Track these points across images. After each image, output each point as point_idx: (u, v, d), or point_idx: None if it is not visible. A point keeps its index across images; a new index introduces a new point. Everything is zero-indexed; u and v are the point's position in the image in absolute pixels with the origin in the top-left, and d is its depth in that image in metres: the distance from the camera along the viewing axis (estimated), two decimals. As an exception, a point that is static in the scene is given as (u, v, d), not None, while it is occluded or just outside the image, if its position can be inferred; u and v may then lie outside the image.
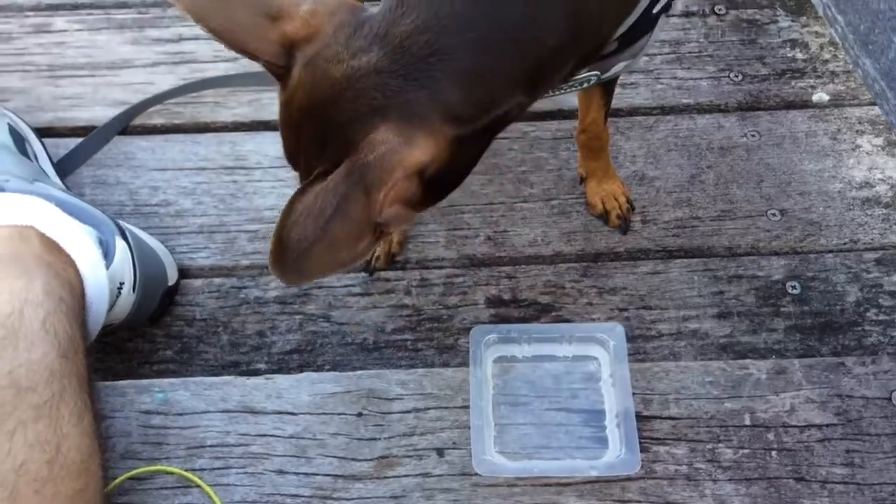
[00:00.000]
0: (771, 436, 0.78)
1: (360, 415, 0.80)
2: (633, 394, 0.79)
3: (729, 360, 0.88)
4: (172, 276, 0.94)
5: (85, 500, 0.66)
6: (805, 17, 1.22)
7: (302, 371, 0.89)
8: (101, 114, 1.10)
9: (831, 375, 0.82)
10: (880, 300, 0.95)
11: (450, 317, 0.95)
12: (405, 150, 0.54)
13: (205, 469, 0.77)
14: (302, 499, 0.76)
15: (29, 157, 0.96)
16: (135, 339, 0.93)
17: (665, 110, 1.12)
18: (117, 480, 0.76)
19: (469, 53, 0.56)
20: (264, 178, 1.05)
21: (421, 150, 0.55)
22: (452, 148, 0.57)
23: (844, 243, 1.00)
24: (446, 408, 0.80)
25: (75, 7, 1.23)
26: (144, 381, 0.83)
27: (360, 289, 0.97)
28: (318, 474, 0.77)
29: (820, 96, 1.13)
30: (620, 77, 0.90)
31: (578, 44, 0.63)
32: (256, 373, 0.90)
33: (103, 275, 0.78)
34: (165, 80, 1.14)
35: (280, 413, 0.80)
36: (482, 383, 0.79)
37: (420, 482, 0.77)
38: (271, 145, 1.08)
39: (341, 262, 0.56)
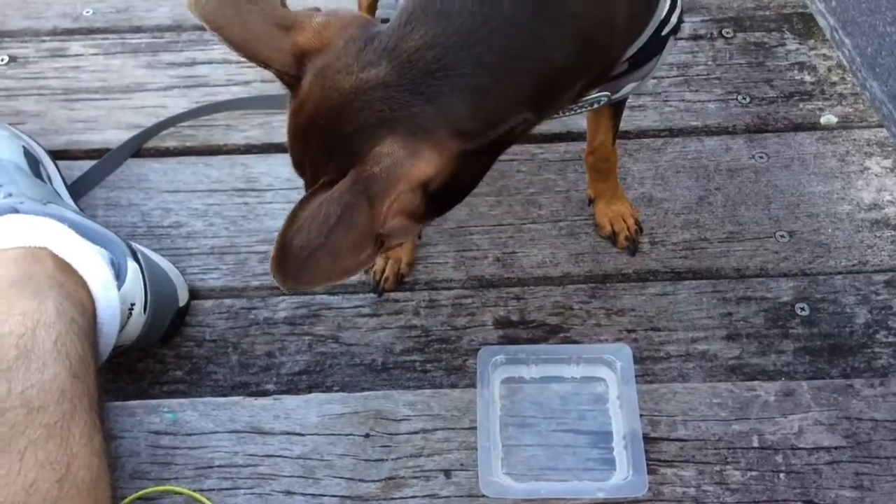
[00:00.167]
0: (779, 458, 0.78)
1: (367, 436, 0.80)
2: (641, 415, 0.79)
3: (737, 381, 0.88)
4: (183, 297, 0.95)
5: (94, 519, 0.66)
6: (813, 40, 1.22)
7: (311, 392, 0.90)
8: (114, 137, 1.11)
9: (840, 397, 0.81)
10: (890, 322, 0.95)
11: (458, 338, 0.95)
12: (410, 162, 0.55)
13: (213, 489, 0.77)
14: (309, 519, 0.76)
15: (43, 180, 0.97)
16: (145, 360, 0.94)
17: (673, 132, 1.13)
18: (126, 500, 0.76)
19: (476, 70, 0.57)
20: (275, 199, 1.06)
21: (426, 164, 0.56)
22: (458, 162, 0.58)
23: (853, 265, 1.00)
24: (454, 429, 0.80)
25: (91, 32, 1.25)
26: (153, 402, 0.84)
27: (369, 310, 0.97)
28: (325, 495, 0.77)
29: (828, 118, 1.14)
30: (629, 99, 0.91)
31: (587, 64, 0.64)
32: (265, 393, 0.90)
33: (115, 296, 0.79)
34: (178, 103, 1.15)
35: (288, 434, 0.80)
36: (490, 404, 0.80)
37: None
38: (282, 167, 1.09)
39: (343, 271, 0.56)
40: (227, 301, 0.98)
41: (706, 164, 1.09)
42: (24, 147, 0.99)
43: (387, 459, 0.79)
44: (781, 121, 1.14)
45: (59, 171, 1.03)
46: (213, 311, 0.97)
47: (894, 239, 1.01)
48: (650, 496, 0.76)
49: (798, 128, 1.13)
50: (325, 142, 0.57)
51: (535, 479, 0.78)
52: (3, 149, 0.95)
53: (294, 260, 0.53)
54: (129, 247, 0.87)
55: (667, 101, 1.16)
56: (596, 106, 0.78)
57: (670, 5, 0.72)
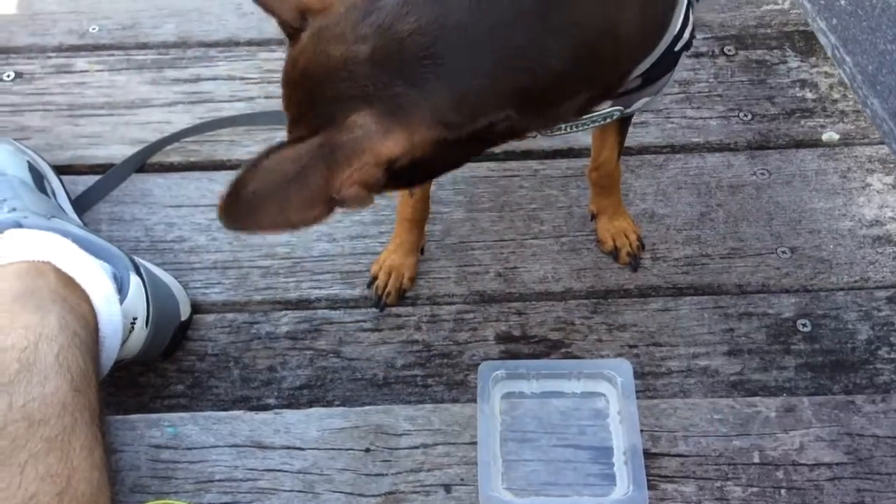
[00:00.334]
0: (780, 474, 0.78)
1: (367, 450, 0.80)
2: (641, 430, 0.79)
3: (738, 397, 0.88)
4: (185, 312, 0.95)
5: (94, 532, 0.66)
6: (814, 58, 1.23)
7: (311, 406, 0.90)
8: (118, 152, 1.12)
9: (841, 414, 0.81)
10: (891, 338, 0.95)
11: (460, 353, 0.95)
12: (379, 139, 0.56)
13: (213, 503, 0.77)
14: (309, 534, 0.76)
15: (47, 194, 0.98)
16: (147, 374, 0.94)
17: (675, 149, 1.13)
18: (126, 514, 0.76)
19: (465, 63, 0.57)
20: (277, 214, 1.06)
21: (395, 143, 0.57)
22: (432, 149, 0.59)
23: (855, 281, 1.00)
24: (454, 444, 0.80)
25: (96, 48, 1.26)
26: (154, 416, 0.84)
27: (371, 324, 0.98)
28: (325, 510, 0.77)
29: (829, 135, 1.14)
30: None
31: (589, 75, 0.65)
32: (266, 408, 0.90)
33: (117, 310, 0.79)
34: (182, 119, 1.16)
35: (288, 448, 0.80)
36: (490, 419, 0.80)
37: (427, 518, 0.77)
38: (285, 183, 1.10)
39: (287, 223, 0.57)
40: (230, 315, 0.98)
41: (708, 181, 1.09)
42: (28, 162, 0.99)
43: (387, 474, 0.79)
44: (783, 137, 1.14)
45: (63, 185, 1.04)
46: (215, 325, 0.97)
47: (896, 255, 1.02)
48: (651, 512, 0.76)
49: (799, 144, 1.13)
50: (308, 99, 0.59)
51: (535, 494, 0.78)
52: (8, 164, 0.96)
53: (242, 203, 0.54)
54: (132, 261, 0.88)
55: (668, 117, 1.16)
56: (609, 120, 0.79)
57: (683, 21, 0.72)
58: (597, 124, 0.78)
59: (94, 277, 0.79)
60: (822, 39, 1.24)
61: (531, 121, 0.65)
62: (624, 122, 0.91)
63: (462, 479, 0.78)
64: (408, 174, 0.60)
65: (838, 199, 1.07)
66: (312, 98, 0.59)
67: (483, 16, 0.58)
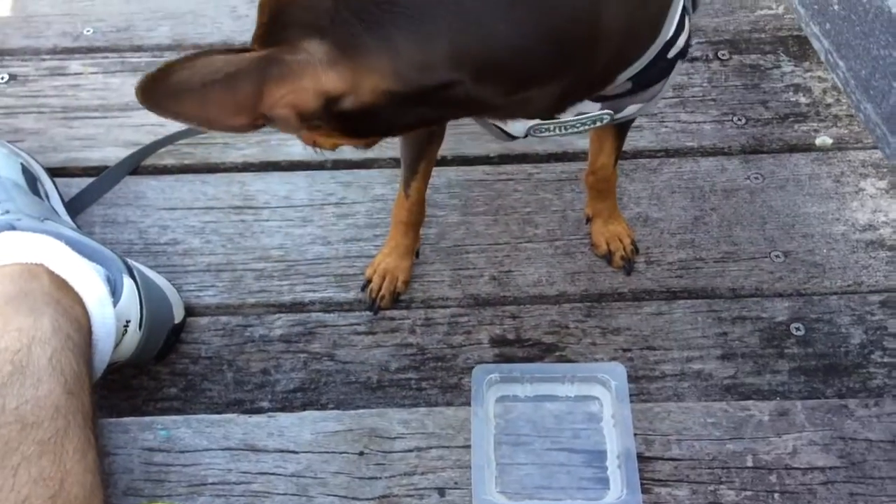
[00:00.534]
0: (773, 478, 0.78)
1: (361, 454, 0.80)
2: (635, 434, 0.79)
3: (732, 401, 0.88)
4: (179, 315, 0.95)
5: (87, 535, 0.66)
6: (807, 63, 1.23)
7: (305, 409, 0.90)
8: (112, 154, 1.12)
9: (834, 418, 0.81)
10: (885, 342, 0.95)
11: (454, 356, 0.95)
12: (322, 69, 0.56)
13: (206, 507, 0.77)
14: (302, 538, 0.76)
15: (41, 197, 0.98)
16: (140, 377, 0.94)
17: (669, 153, 1.14)
18: (119, 517, 0.76)
19: (422, 14, 0.57)
20: (272, 217, 1.07)
21: (337, 77, 0.56)
22: (382, 100, 0.58)
23: (849, 285, 1.00)
24: (448, 447, 0.80)
25: (91, 50, 1.26)
26: (147, 419, 0.84)
27: (365, 327, 0.98)
28: (319, 513, 0.77)
29: (823, 140, 1.14)
30: (626, 120, 0.91)
31: (558, 63, 0.62)
32: (260, 411, 0.90)
33: (110, 312, 0.79)
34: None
35: (282, 451, 0.80)
36: (484, 423, 0.80)
37: (421, 522, 0.77)
38: (279, 185, 1.10)
39: (206, 121, 0.57)
40: (223, 318, 0.98)
41: (702, 185, 1.10)
42: (22, 164, 0.99)
43: (381, 477, 0.79)
44: (777, 142, 1.14)
45: (56, 188, 1.04)
46: (208, 328, 0.97)
47: (889, 260, 1.02)
48: (644, 516, 0.76)
49: (793, 149, 1.14)
50: (270, 22, 0.59)
51: (528, 497, 0.78)
52: (2, 166, 0.96)
53: (164, 86, 0.53)
54: (126, 264, 0.88)
55: (663, 121, 1.17)
56: (599, 124, 0.77)
57: (677, 27, 0.71)
58: (587, 128, 0.77)
59: (88, 280, 0.79)
60: (816, 44, 1.24)
61: (492, 97, 0.63)
62: (622, 128, 0.91)
63: (456, 483, 0.78)
64: (354, 122, 0.60)
65: (832, 203, 1.08)
66: (274, 21, 0.58)
67: None
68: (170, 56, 1.25)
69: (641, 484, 0.76)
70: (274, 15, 0.58)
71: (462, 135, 1.12)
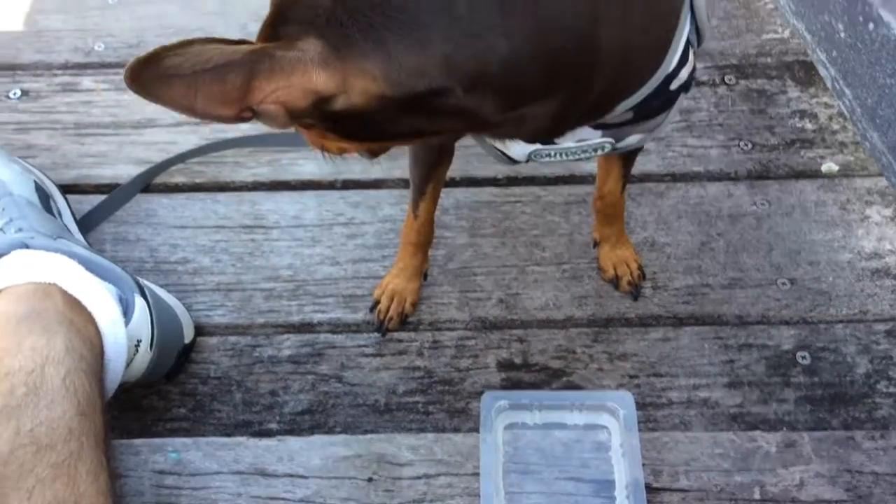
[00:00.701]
0: (780, 510, 0.78)
1: (370, 480, 0.80)
2: (643, 464, 0.79)
3: (739, 430, 0.88)
4: (189, 334, 0.95)
5: (98, 560, 0.66)
6: (814, 89, 1.24)
7: (313, 432, 0.90)
8: (124, 171, 1.13)
9: (841, 450, 0.82)
10: (890, 372, 0.96)
11: (461, 380, 0.96)
12: (314, 68, 0.56)
13: (216, 530, 0.78)
14: (311, 563, 0.76)
15: (53, 214, 0.98)
16: (149, 396, 0.94)
17: (676, 178, 1.14)
18: (129, 540, 0.77)
19: (416, 20, 0.57)
20: (282, 237, 1.07)
21: (328, 78, 0.56)
22: (374, 104, 0.58)
23: (854, 314, 1.01)
24: (456, 474, 0.81)
25: (102, 66, 1.27)
26: (158, 441, 0.84)
27: (373, 349, 0.98)
28: (327, 538, 0.78)
29: (829, 166, 1.15)
30: (633, 145, 0.92)
31: (552, 82, 0.62)
32: (268, 432, 0.91)
33: (122, 332, 0.80)
34: (188, 139, 1.17)
35: (291, 476, 0.81)
36: (493, 450, 0.80)
37: (429, 549, 0.77)
38: (290, 205, 1.10)
39: (192, 110, 0.56)
40: (232, 338, 0.99)
41: (708, 210, 1.10)
42: (35, 182, 1.00)
43: None
44: (783, 168, 1.15)
45: (69, 205, 1.04)
46: (217, 348, 0.98)
47: (894, 288, 1.02)
48: (652, 545, 0.76)
49: (799, 175, 1.14)
50: (274, 19, 0.58)
51: (537, 526, 0.78)
52: (16, 184, 0.96)
53: (153, 70, 0.53)
54: (137, 283, 0.88)
55: (669, 146, 1.17)
56: (600, 153, 0.77)
57: (680, 59, 0.71)
58: (588, 155, 0.77)
59: (101, 300, 0.79)
60: (822, 71, 1.25)
61: (484, 109, 0.62)
62: (629, 155, 0.92)
63: (464, 510, 0.79)
64: (347, 124, 0.60)
65: (837, 230, 1.08)
66: (277, 16, 0.58)
67: None
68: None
69: (649, 514, 0.76)
70: (279, 10, 0.59)
71: (470, 156, 1.13)
